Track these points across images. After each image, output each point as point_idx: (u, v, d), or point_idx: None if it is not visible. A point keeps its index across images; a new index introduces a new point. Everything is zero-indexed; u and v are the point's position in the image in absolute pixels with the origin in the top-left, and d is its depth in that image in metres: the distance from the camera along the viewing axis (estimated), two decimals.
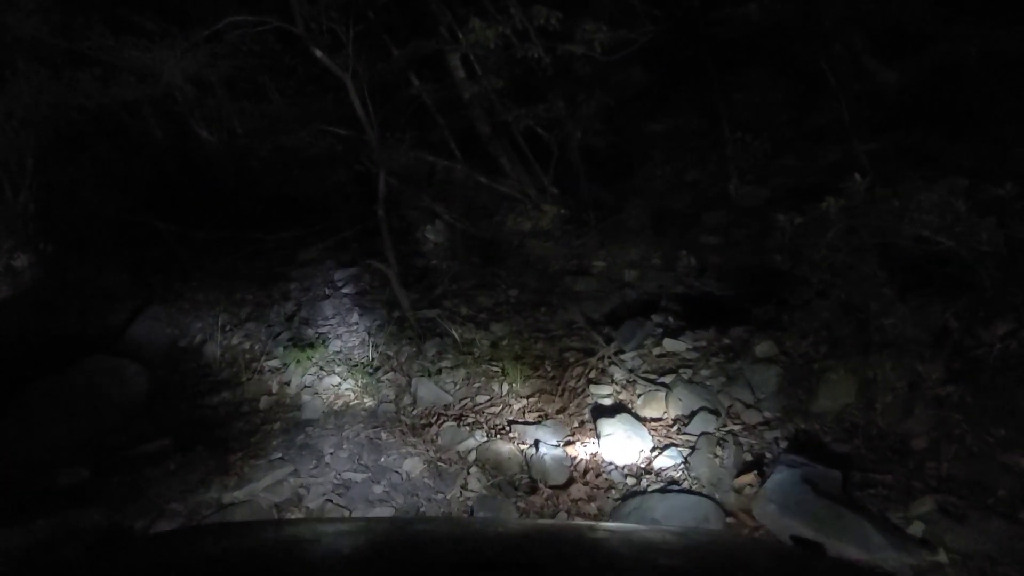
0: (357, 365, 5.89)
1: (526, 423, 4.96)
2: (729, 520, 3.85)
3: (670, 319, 5.78)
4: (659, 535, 2.05)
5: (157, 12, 5.51)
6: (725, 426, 4.48)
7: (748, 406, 4.59)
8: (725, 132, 7.19)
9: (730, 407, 4.63)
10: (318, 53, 5.29)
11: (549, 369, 5.52)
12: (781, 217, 4.32)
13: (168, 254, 7.81)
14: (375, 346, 5.99)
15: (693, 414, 4.60)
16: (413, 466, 4.76)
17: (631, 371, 5.20)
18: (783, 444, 4.21)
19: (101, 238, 8.15)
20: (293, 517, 4.53)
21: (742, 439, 4.36)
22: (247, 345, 6.95)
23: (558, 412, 5.07)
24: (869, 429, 4.10)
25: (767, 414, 4.49)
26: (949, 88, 7.43)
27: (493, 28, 4.77)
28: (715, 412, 4.58)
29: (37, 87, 6.16)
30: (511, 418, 5.07)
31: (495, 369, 5.56)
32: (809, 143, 7.61)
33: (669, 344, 5.34)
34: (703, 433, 4.43)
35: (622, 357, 5.39)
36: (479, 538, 1.74)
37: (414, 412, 5.36)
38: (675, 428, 4.61)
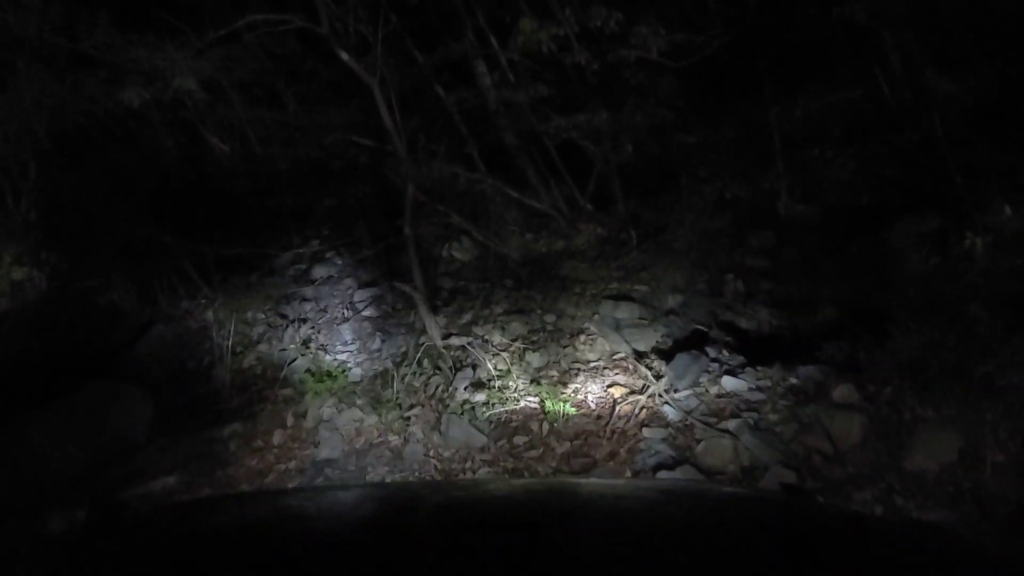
0: (381, 400, 5.38)
1: (572, 472, 4.44)
2: None
3: (725, 352, 5.28)
4: (651, 489, 2.08)
5: (168, 10, 5.04)
6: (805, 483, 3.94)
7: (828, 458, 4.06)
8: (776, 145, 6.67)
9: (807, 459, 4.10)
10: (344, 56, 4.81)
11: (593, 407, 5.01)
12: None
13: (176, 269, 7.31)
14: (400, 377, 5.47)
15: (765, 467, 4.07)
16: None
17: (687, 413, 4.67)
18: (878, 509, 3.67)
19: (105, 250, 7.67)
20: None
21: (826, 499, 3.83)
22: (259, 370, 6.45)
23: (607, 459, 4.54)
24: (978, 492, 3.56)
25: (852, 469, 3.96)
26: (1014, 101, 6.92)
27: (546, 30, 4.28)
28: (791, 465, 4.04)
29: (39, 90, 5.70)
30: (554, 464, 4.55)
31: (533, 406, 5.05)
32: (861, 159, 7.09)
33: (728, 383, 4.82)
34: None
35: (676, 396, 4.87)
36: (475, 498, 1.74)
37: (445, 454, 4.85)
38: (745, 484, 4.07)
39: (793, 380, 4.70)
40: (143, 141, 6.66)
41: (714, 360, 5.18)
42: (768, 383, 4.75)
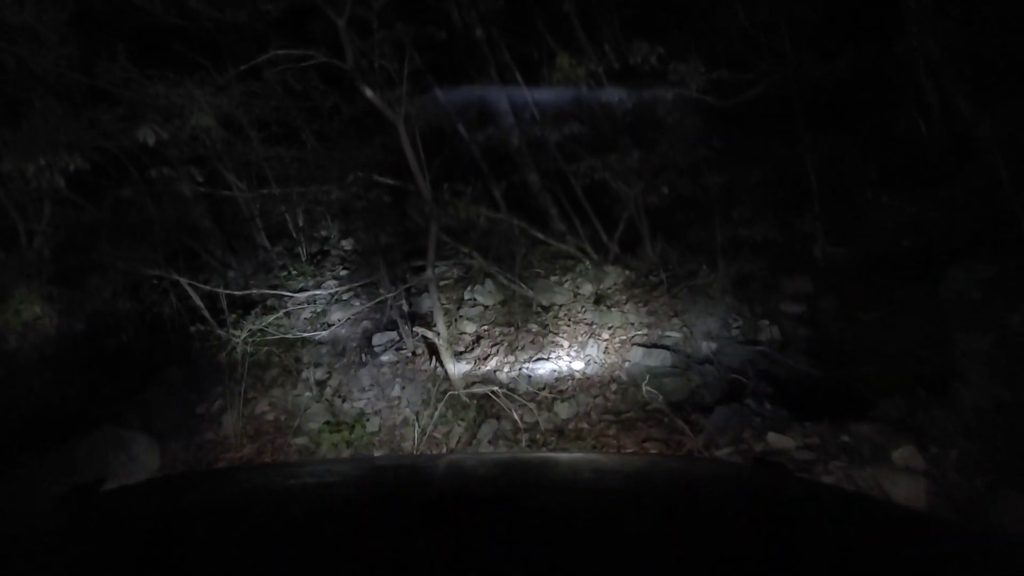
0: (401, 453, 5.07)
1: None
2: None
3: (767, 405, 4.95)
4: (626, 461, 2.10)
5: (188, 45, 4.89)
6: None
7: None
8: (812, 186, 6.41)
9: None
10: (369, 92, 4.62)
11: None
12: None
13: (189, 310, 7.09)
14: (421, 428, 5.17)
15: None
16: None
17: None
18: None
19: (117, 290, 7.47)
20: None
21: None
22: (271, 416, 6.17)
23: None
24: None
25: None
26: None
27: (584, 66, 4.07)
28: None
29: (54, 126, 5.54)
30: None
31: None
32: (900, 200, 6.81)
33: (774, 439, 4.49)
34: None
35: (717, 453, 4.53)
36: (453, 473, 1.75)
37: None
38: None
39: (845, 438, 4.36)
40: (157, 179, 6.49)
41: (756, 414, 4.85)
42: (818, 441, 4.41)
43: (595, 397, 5.33)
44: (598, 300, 6.21)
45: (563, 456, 2.79)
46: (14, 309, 7.96)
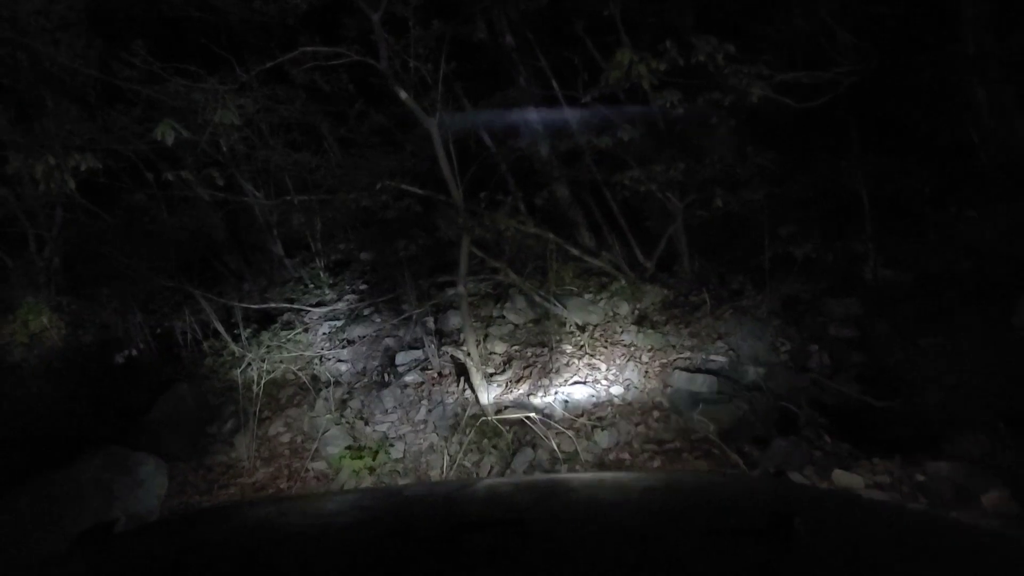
0: (428, 481, 4.69)
1: None
2: None
3: (826, 438, 4.57)
4: (637, 482, 2.03)
5: (210, 40, 4.58)
6: None
7: None
8: (865, 203, 6.05)
9: None
10: (403, 94, 4.30)
11: None
12: None
13: (202, 324, 6.77)
14: (450, 456, 4.79)
15: None
16: None
17: None
18: None
19: (128, 301, 7.15)
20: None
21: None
22: (287, 437, 5.82)
23: None
24: None
25: None
26: None
27: (645, 63, 3.72)
28: None
29: (68, 128, 5.25)
30: None
31: None
32: (951, 219, 6.43)
33: (840, 476, 4.10)
34: None
35: None
36: (468, 499, 1.74)
37: None
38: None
39: (921, 477, 3.97)
40: (174, 183, 6.19)
41: (815, 447, 4.47)
42: (888, 479, 4.02)
43: (636, 425, 4.95)
44: (636, 320, 5.84)
45: (570, 477, 2.83)
46: (21, 320, 7.66)
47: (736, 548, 1.22)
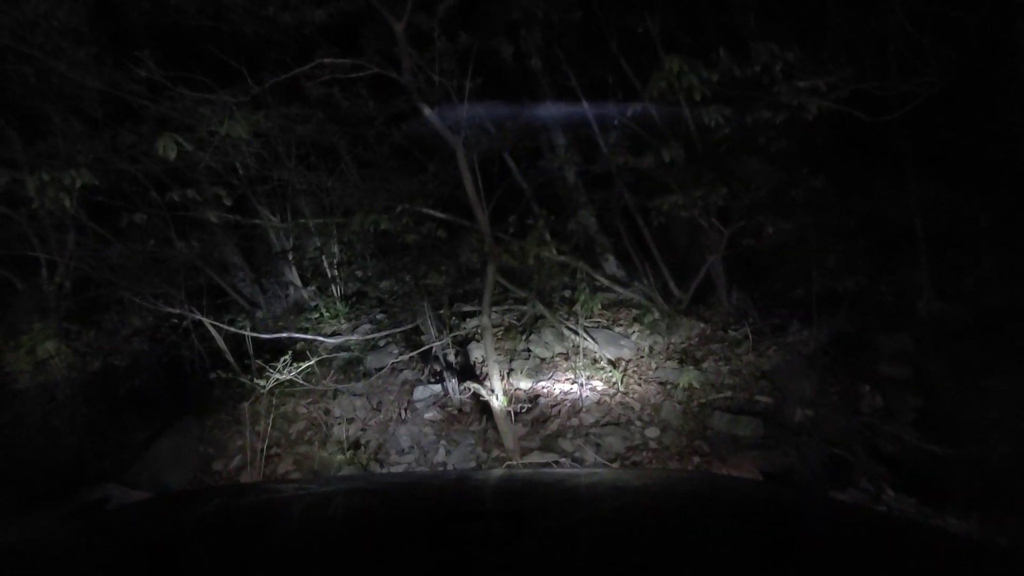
0: None
1: None
2: None
3: (889, 491, 4.12)
4: (636, 476, 2.05)
5: (223, 51, 4.32)
6: None
7: None
8: (918, 233, 5.64)
9: None
10: (427, 111, 3.99)
11: None
12: None
13: (210, 353, 6.44)
14: None
15: None
16: None
17: None
18: None
19: (135, 329, 6.86)
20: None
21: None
22: (296, 476, 5.44)
23: None
24: None
25: None
26: None
27: (696, 72, 3.39)
28: None
29: (73, 146, 4.99)
30: None
31: None
32: (1009, 250, 6.00)
33: None
34: None
35: None
36: (466, 490, 1.74)
37: None
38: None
39: (1003, 541, 3.50)
40: (180, 203, 5.93)
41: (876, 501, 4.02)
42: None
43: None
44: (672, 356, 5.43)
45: (567, 472, 2.75)
46: (28, 346, 7.39)
47: (728, 545, 1.22)
